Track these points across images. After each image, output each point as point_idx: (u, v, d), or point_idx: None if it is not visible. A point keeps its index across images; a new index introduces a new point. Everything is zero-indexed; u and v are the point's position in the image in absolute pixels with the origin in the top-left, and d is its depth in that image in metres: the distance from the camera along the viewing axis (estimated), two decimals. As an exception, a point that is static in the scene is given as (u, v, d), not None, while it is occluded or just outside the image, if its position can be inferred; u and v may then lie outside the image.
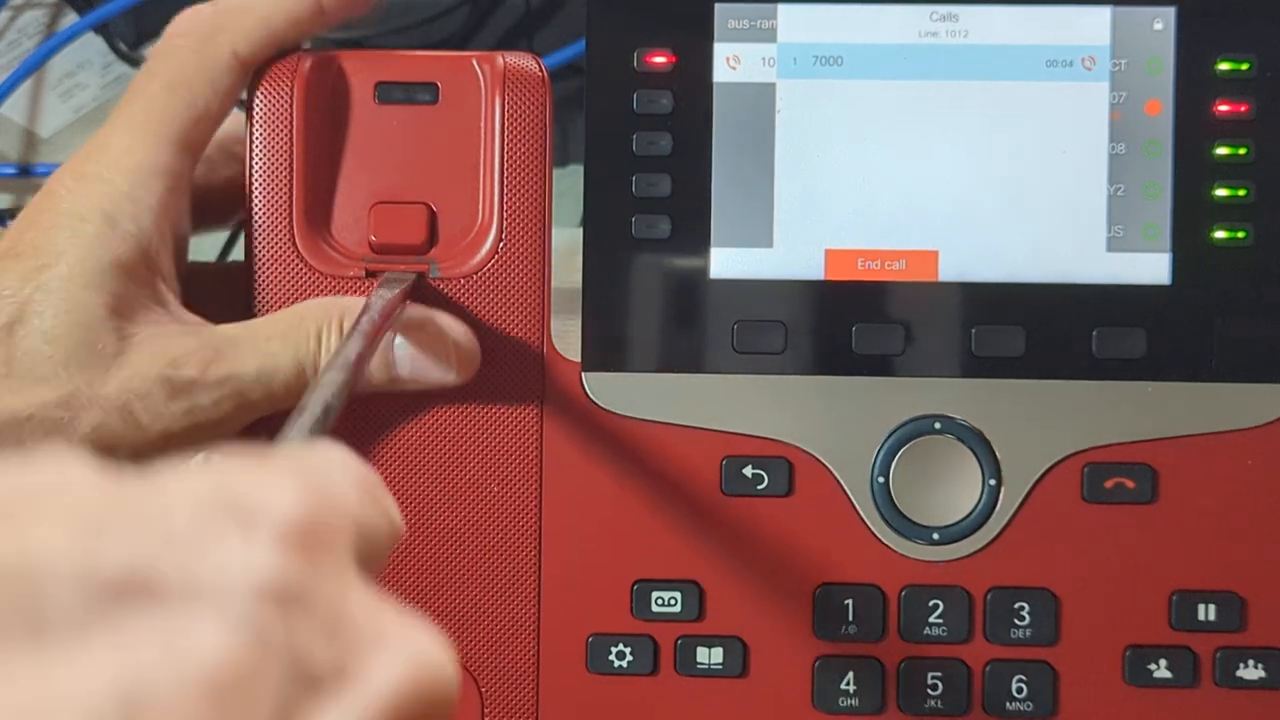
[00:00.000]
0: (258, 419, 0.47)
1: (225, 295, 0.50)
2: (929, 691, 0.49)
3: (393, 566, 0.49)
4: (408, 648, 0.26)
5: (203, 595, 0.23)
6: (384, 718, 0.24)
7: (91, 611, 0.22)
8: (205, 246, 0.64)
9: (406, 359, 0.47)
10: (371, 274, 0.49)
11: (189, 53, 0.47)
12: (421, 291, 0.49)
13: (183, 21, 0.48)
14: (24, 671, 0.21)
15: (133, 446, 0.44)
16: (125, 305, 0.45)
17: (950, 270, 0.50)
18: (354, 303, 0.46)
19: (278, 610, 0.24)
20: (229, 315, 0.48)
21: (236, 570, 0.24)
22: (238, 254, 0.57)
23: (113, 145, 0.46)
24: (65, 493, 0.24)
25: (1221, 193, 0.49)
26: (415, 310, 0.47)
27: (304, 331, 0.46)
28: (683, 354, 0.50)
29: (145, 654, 0.22)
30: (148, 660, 0.22)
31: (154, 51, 0.48)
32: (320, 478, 0.26)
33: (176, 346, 0.45)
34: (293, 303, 0.49)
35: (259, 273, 0.49)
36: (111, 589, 0.22)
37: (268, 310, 0.49)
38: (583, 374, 0.50)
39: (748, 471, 0.50)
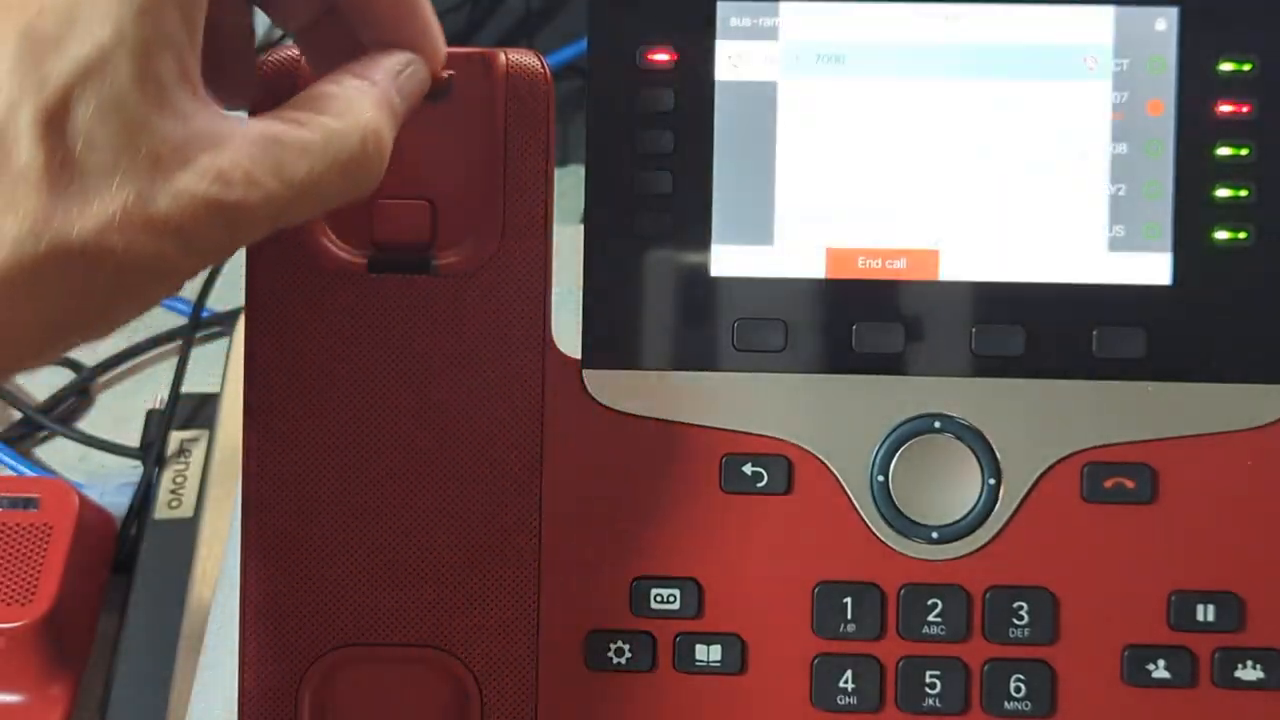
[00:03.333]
0: None
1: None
2: (927, 690, 0.49)
3: (393, 563, 0.49)
4: None
5: None
6: None
7: None
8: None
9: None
10: (374, 269, 0.49)
11: None
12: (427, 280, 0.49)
13: None
14: None
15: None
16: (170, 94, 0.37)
17: (951, 269, 0.50)
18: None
19: None
20: None
21: None
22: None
23: None
24: None
25: (1223, 193, 0.49)
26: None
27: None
28: (683, 352, 0.50)
29: None
30: None
31: None
32: None
33: (223, 155, 0.38)
34: (293, 299, 0.49)
35: (258, 268, 0.49)
36: None
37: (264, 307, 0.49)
38: (583, 371, 0.50)
39: (747, 469, 0.50)
